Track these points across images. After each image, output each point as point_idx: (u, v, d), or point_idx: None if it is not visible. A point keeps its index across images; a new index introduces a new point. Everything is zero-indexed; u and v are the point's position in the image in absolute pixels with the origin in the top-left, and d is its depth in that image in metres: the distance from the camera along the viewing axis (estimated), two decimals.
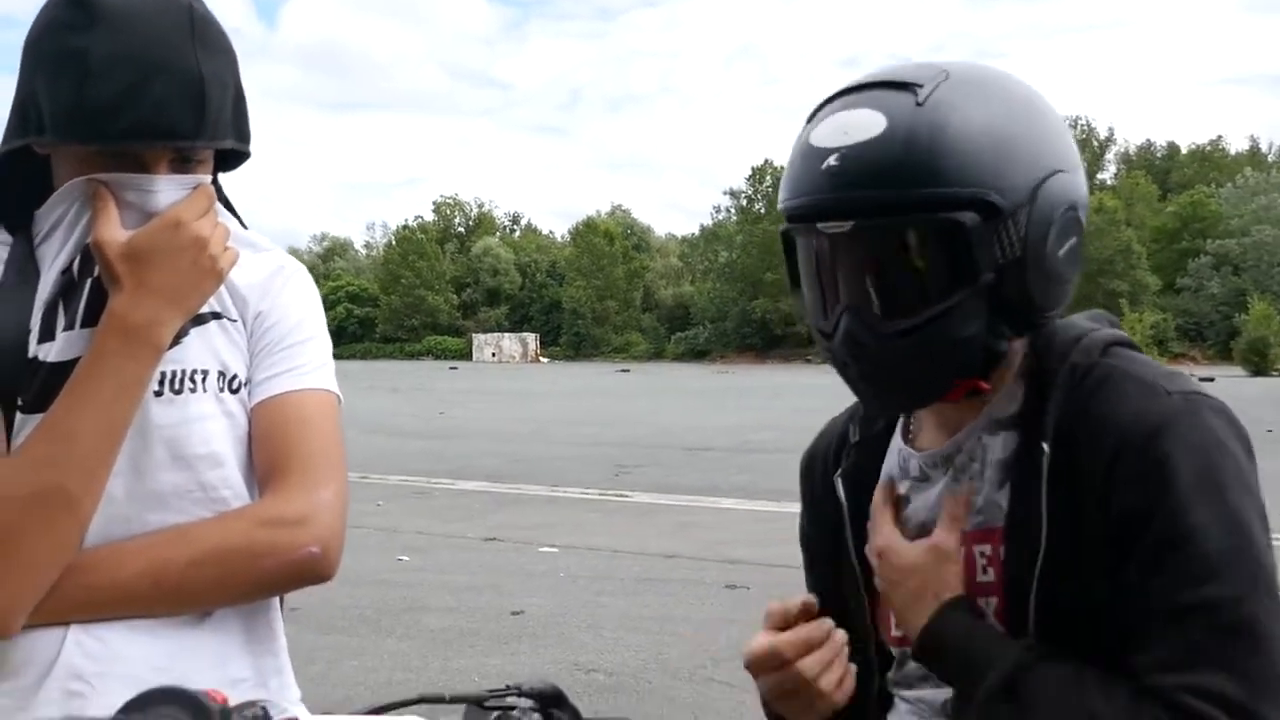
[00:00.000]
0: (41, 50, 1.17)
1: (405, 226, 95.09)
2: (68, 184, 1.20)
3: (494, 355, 76.55)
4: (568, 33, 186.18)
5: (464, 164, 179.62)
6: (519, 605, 6.48)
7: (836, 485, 1.30)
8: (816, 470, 1.37)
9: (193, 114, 1.16)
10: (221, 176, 1.33)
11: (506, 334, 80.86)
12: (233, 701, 0.72)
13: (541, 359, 76.02)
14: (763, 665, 1.17)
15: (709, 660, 5.35)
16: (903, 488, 1.25)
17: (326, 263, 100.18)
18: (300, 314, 1.33)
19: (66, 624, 1.15)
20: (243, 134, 1.26)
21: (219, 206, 1.26)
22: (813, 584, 1.39)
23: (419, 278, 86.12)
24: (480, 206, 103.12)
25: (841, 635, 1.16)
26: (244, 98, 1.26)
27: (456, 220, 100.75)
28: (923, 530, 1.21)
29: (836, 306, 1.11)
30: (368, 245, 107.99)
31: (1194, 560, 1.01)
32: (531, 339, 78.98)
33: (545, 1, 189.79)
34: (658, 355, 76.62)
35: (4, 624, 1.10)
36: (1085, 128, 79.83)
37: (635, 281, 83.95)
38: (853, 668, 1.16)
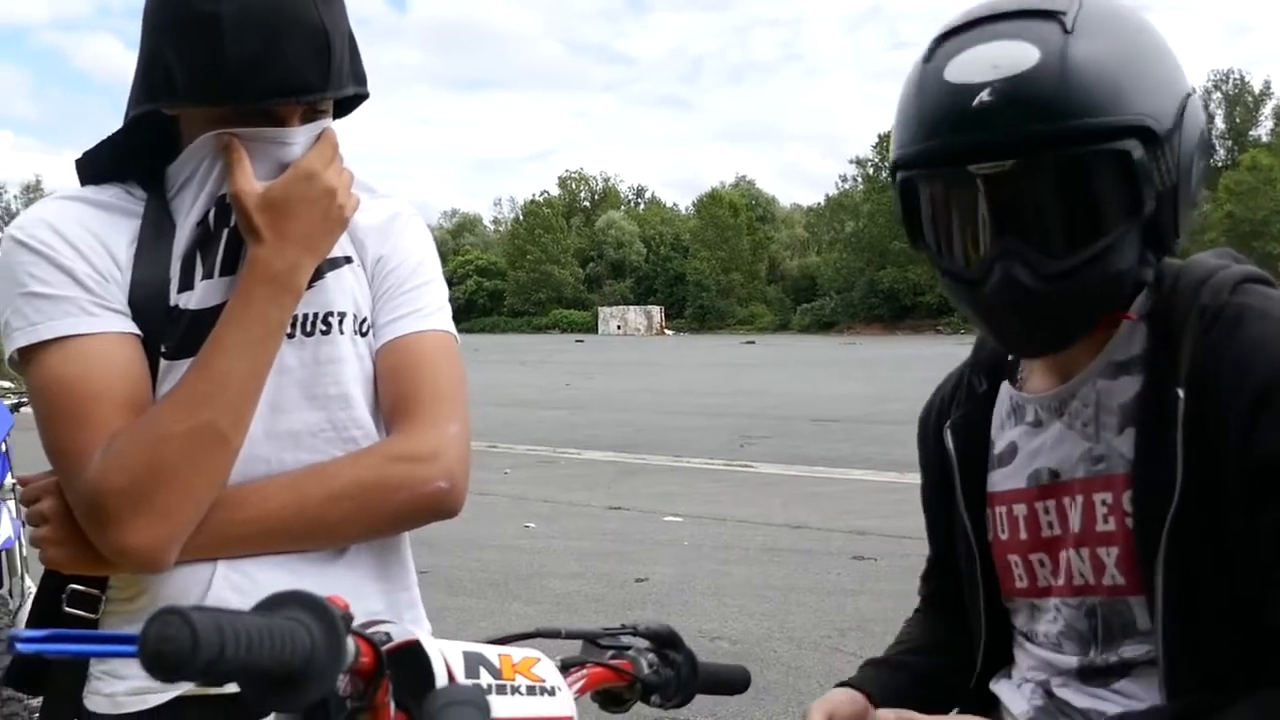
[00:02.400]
0: (168, 16, 1.19)
1: (532, 201, 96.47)
2: (199, 139, 1.23)
3: (619, 328, 77.19)
4: (688, 4, 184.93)
5: (588, 138, 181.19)
6: (643, 572, 6.54)
7: (945, 436, 1.27)
8: (930, 425, 1.34)
9: (321, 68, 1.19)
10: (341, 121, 1.36)
11: (631, 307, 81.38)
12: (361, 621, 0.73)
13: (666, 331, 76.30)
14: None
15: (835, 630, 5.29)
16: (1014, 434, 1.21)
17: (456, 238, 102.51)
18: (419, 257, 1.36)
19: (215, 560, 1.20)
20: (360, 77, 1.29)
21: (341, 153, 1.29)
22: (933, 543, 1.38)
23: (545, 252, 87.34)
24: (605, 180, 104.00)
25: None
26: (355, 42, 1.28)
27: (581, 194, 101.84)
28: (1036, 478, 1.18)
29: (988, 252, 1.04)
30: (496, 220, 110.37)
31: None
32: (656, 312, 79.32)
33: None
34: (783, 327, 76.02)
35: (162, 556, 1.15)
36: (1238, 82, 75.55)
37: (760, 253, 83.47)
38: None
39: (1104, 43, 1.01)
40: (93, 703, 1.21)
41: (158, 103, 1.22)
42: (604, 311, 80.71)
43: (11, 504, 3.95)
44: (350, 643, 0.67)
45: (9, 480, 4.04)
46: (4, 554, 3.87)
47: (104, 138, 1.29)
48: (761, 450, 12.41)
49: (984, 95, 1.00)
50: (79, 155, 1.30)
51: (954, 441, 1.26)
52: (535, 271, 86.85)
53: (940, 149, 1.03)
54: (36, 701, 1.31)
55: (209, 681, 0.59)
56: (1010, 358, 1.26)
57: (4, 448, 4.07)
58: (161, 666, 0.56)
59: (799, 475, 10.60)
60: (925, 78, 1.06)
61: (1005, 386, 1.25)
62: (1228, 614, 1.01)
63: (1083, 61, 0.99)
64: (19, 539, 3.88)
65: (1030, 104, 0.99)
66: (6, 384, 5.61)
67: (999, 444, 1.24)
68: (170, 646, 0.56)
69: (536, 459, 12.02)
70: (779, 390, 21.63)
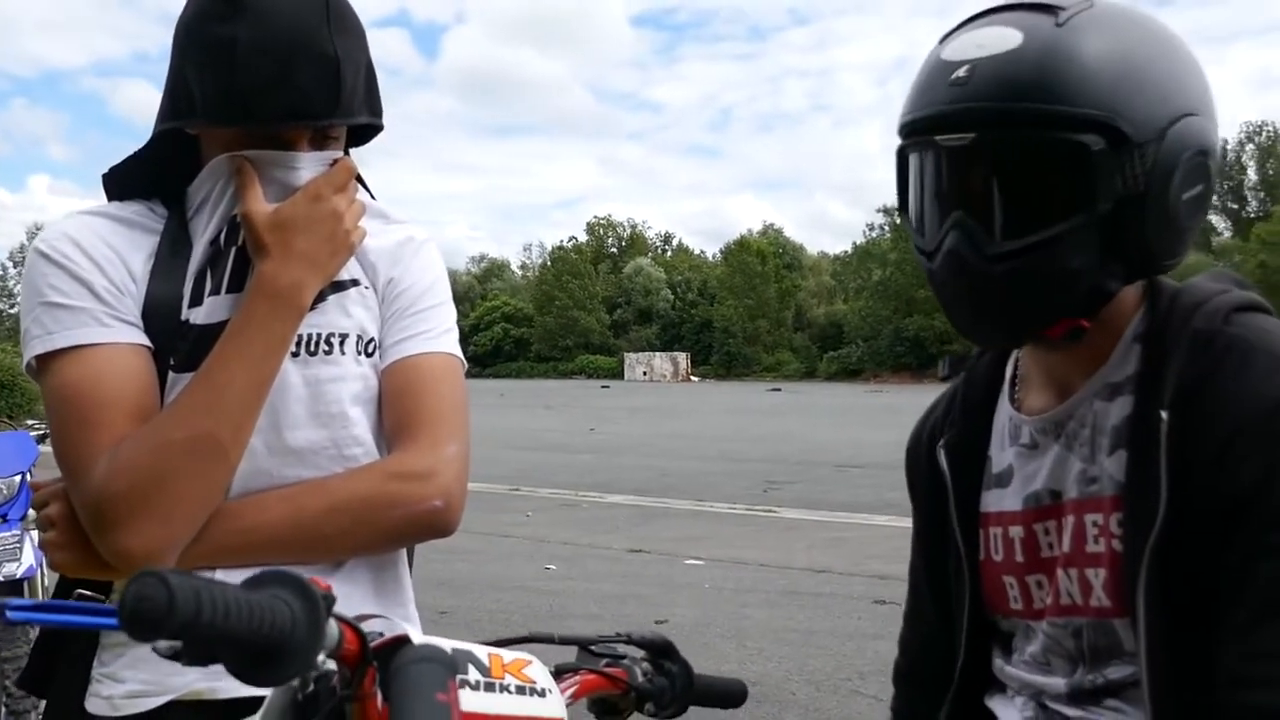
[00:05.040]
0: (191, 39, 1.24)
1: (560, 247, 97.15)
2: (214, 161, 1.27)
3: (645, 374, 77.22)
4: (719, 54, 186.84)
5: (617, 185, 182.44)
6: (663, 615, 6.49)
7: (939, 456, 1.26)
8: (922, 449, 1.33)
9: (330, 95, 1.23)
10: (359, 150, 1.40)
11: (658, 353, 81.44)
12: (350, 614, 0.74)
13: (692, 378, 76.26)
14: None
15: (855, 674, 5.24)
16: (1010, 454, 1.21)
17: (484, 284, 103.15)
18: (429, 281, 1.39)
19: (214, 568, 1.21)
20: (374, 109, 1.32)
21: (354, 184, 1.32)
22: (920, 574, 1.36)
23: (572, 298, 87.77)
24: (633, 227, 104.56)
25: None
26: (374, 74, 1.31)
27: (609, 241, 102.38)
28: (1035, 500, 1.17)
29: (943, 223, 1.06)
30: (524, 266, 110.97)
31: None
32: (682, 358, 79.33)
33: (697, 24, 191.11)
34: (809, 374, 75.79)
35: (159, 561, 1.16)
36: (1271, 134, 75.26)
37: (787, 300, 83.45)
38: None
39: (1096, 41, 1.02)
40: (92, 705, 1.23)
41: (179, 121, 1.27)
42: (630, 357, 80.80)
43: (35, 534, 3.99)
44: (333, 625, 0.68)
45: (32, 512, 4.09)
46: (25, 583, 3.91)
47: (130, 154, 1.33)
48: (785, 495, 12.33)
49: (960, 72, 1.03)
50: (106, 170, 1.34)
51: (948, 460, 1.25)
52: (563, 317, 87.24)
53: (917, 120, 1.07)
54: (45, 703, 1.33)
55: (192, 651, 0.60)
56: (1009, 378, 1.25)
57: (29, 478, 4.13)
58: (138, 625, 0.57)
59: (822, 520, 10.53)
60: (929, 57, 1.10)
61: (1003, 404, 1.24)
62: (1210, 639, 1.00)
63: (1063, 52, 1.00)
64: (41, 568, 3.92)
65: (998, 83, 1.01)
66: (34, 421, 5.69)
67: (997, 464, 1.23)
68: (147, 605, 0.57)
69: (559, 502, 12.00)
70: (804, 436, 21.53)
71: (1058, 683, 1.14)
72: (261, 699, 0.77)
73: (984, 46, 1.03)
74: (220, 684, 1.20)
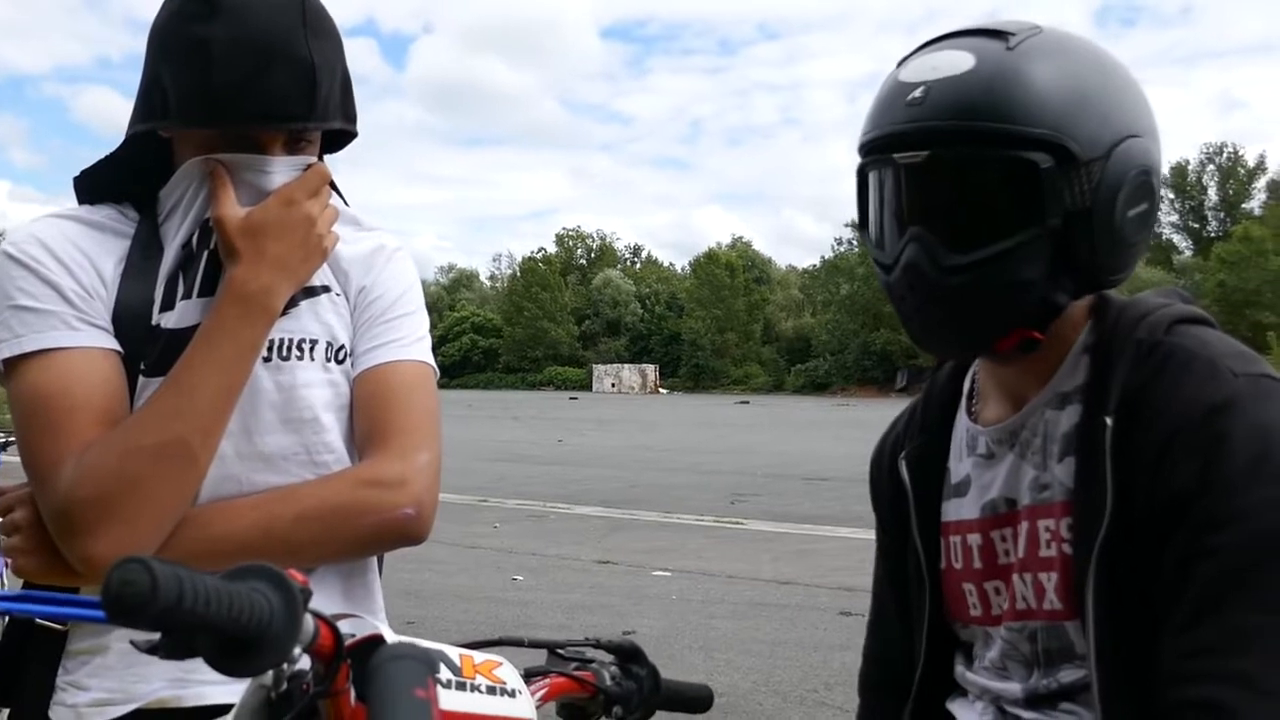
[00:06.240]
0: (166, 40, 1.25)
1: (529, 258, 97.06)
2: (187, 164, 1.27)
3: (613, 386, 77.26)
4: (689, 67, 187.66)
5: (586, 197, 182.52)
6: (630, 625, 6.50)
7: (900, 468, 1.30)
8: (884, 462, 1.37)
9: (305, 98, 1.23)
10: (334, 156, 1.40)
11: (626, 365, 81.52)
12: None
13: (660, 390, 76.36)
14: None
15: (821, 684, 5.27)
16: (968, 465, 1.24)
17: (452, 294, 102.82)
18: (401, 289, 1.39)
19: None
20: (349, 115, 1.32)
21: (328, 189, 1.33)
22: (884, 584, 1.39)
23: (541, 309, 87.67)
24: (602, 238, 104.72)
25: None
26: (350, 81, 1.32)
27: (578, 252, 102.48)
28: (991, 508, 1.20)
29: (901, 237, 1.10)
30: (493, 277, 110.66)
31: (1237, 543, 0.98)
32: (651, 370, 79.44)
33: (667, 37, 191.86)
34: (777, 387, 76.11)
35: None
36: (1231, 156, 76.63)
37: (755, 314, 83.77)
38: None
39: (1044, 65, 1.06)
40: (57, 714, 1.22)
41: (152, 123, 1.26)
42: (598, 369, 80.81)
43: None
44: (309, 619, 0.69)
45: None
46: None
47: (102, 156, 1.33)
48: (752, 507, 12.38)
49: (916, 92, 1.07)
50: (77, 174, 1.33)
51: (909, 472, 1.29)
52: (531, 329, 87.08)
53: (876, 139, 1.11)
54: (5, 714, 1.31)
55: (171, 641, 0.60)
56: (966, 393, 1.29)
57: None
58: (121, 609, 0.58)
59: (789, 532, 10.57)
60: (886, 79, 1.14)
61: (961, 418, 1.28)
62: (1156, 639, 1.03)
63: (1012, 74, 1.05)
64: (2, 575, 3.87)
65: (952, 103, 1.05)
66: None
67: (955, 474, 1.27)
68: (130, 590, 0.58)
69: (527, 513, 11.97)
70: (771, 449, 21.62)
71: (1014, 688, 1.17)
72: (229, 706, 0.78)
73: (938, 69, 1.08)
74: (186, 692, 1.19)
